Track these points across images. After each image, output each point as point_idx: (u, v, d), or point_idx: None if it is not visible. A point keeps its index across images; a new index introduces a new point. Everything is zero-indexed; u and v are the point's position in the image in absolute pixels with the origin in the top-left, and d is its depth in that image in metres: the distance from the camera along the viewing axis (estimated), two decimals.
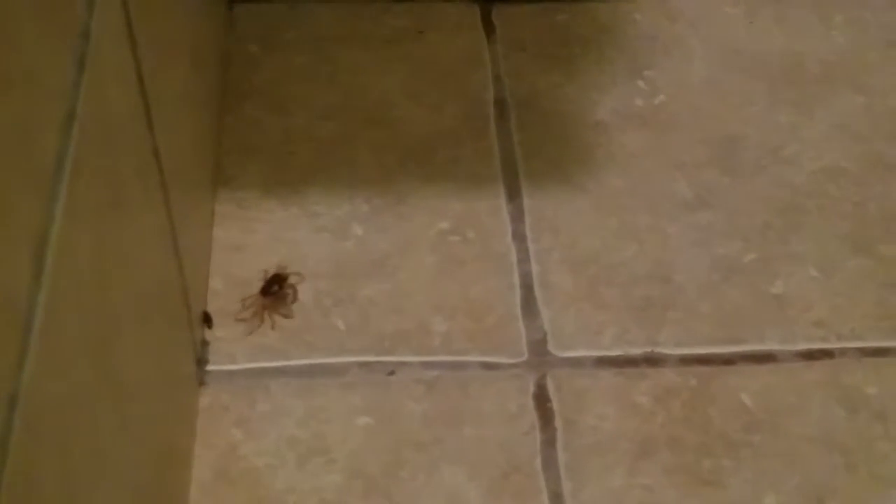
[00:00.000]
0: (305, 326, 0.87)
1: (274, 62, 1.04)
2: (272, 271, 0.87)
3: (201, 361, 0.84)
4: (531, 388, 0.83)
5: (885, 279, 0.89)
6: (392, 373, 0.84)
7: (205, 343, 0.85)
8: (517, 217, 0.93)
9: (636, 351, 0.85)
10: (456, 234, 0.92)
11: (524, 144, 0.98)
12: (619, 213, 0.93)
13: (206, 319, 0.86)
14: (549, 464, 0.79)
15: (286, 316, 0.85)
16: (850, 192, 0.94)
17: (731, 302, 0.88)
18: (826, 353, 0.85)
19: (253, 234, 0.92)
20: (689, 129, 0.99)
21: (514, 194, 0.94)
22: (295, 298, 0.86)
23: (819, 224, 0.92)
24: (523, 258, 0.90)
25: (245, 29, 1.06)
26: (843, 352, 0.85)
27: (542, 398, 0.83)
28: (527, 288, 0.89)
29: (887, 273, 0.89)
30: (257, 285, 0.86)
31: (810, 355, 0.85)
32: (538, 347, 0.86)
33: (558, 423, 0.81)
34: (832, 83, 1.01)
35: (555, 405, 0.82)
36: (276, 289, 0.86)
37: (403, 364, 0.85)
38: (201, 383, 0.83)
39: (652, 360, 0.85)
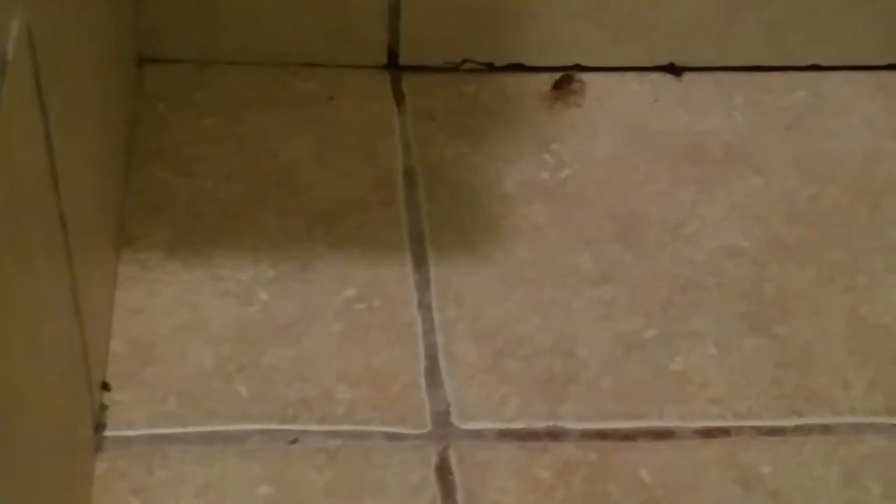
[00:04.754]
0: (206, 392, 0.86)
1: (182, 123, 1.03)
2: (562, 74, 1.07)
3: (99, 426, 0.83)
4: (433, 460, 0.83)
5: (780, 359, 0.91)
6: (294, 441, 0.84)
7: (103, 407, 0.84)
8: (423, 286, 0.93)
9: (539, 424, 0.86)
10: (362, 301, 0.92)
11: (432, 213, 0.98)
12: (525, 286, 0.94)
13: (104, 385, 0.84)
14: None
15: (577, 104, 1.04)
16: (748, 271, 0.96)
17: (632, 377, 0.89)
18: (723, 431, 0.86)
19: (156, 297, 0.91)
20: (594, 203, 1.00)
21: (420, 263, 0.95)
22: (582, 92, 1.06)
23: (718, 302, 0.94)
24: (428, 328, 0.91)
25: (153, 89, 1.06)
26: (740, 430, 0.86)
27: (444, 470, 0.83)
28: (431, 358, 0.89)
29: (782, 353, 0.91)
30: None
31: (708, 433, 0.86)
32: (441, 418, 0.86)
33: (460, 496, 0.81)
34: (732, 163, 1.04)
35: (457, 477, 0.82)
36: (565, 84, 1.05)
37: (306, 433, 0.84)
38: (98, 449, 0.82)
39: (554, 434, 0.85)
